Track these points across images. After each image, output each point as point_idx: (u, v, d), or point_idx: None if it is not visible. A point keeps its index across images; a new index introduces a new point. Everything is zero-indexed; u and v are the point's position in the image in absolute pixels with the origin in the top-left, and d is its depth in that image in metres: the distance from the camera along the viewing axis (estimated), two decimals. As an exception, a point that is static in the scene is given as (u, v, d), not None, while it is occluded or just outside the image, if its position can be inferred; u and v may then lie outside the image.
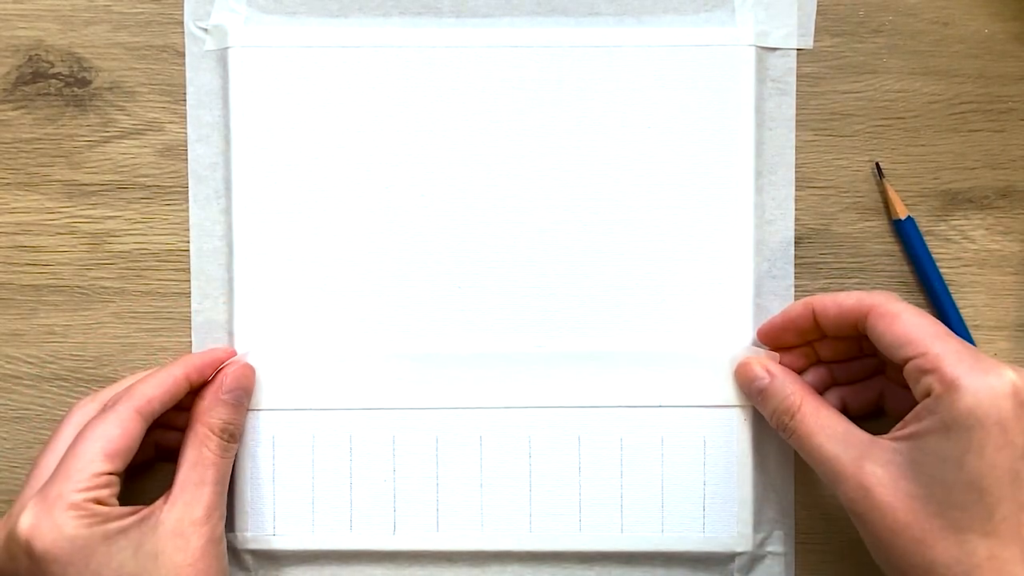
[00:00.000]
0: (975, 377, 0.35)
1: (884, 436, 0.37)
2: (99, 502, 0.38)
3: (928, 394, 0.35)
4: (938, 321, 0.37)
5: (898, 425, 0.37)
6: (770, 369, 0.41)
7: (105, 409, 0.40)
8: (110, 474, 0.38)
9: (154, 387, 0.40)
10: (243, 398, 0.42)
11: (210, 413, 0.41)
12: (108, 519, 0.38)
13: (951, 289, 0.44)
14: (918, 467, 0.35)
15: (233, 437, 0.41)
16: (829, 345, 0.42)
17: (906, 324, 0.37)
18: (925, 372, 0.35)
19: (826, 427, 0.38)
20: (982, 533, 0.34)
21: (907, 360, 0.36)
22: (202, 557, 0.38)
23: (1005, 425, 0.34)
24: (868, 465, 0.36)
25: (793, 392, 0.40)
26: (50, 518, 0.37)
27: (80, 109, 0.44)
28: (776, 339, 0.42)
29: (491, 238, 0.43)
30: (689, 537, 0.43)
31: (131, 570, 0.37)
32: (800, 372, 0.42)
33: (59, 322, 0.44)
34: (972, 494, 0.34)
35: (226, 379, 0.41)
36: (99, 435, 0.38)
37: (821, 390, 0.42)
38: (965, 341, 0.36)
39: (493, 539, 0.43)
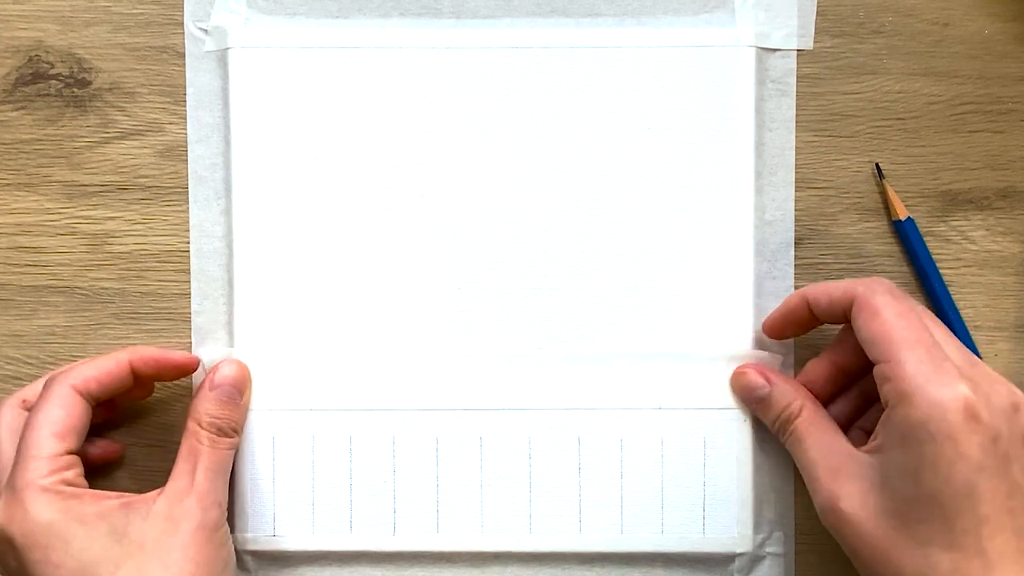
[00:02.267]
0: (928, 390, 0.34)
1: (862, 448, 0.37)
2: (68, 483, 0.38)
3: (887, 403, 0.35)
4: (921, 317, 0.37)
5: (872, 435, 0.37)
6: (769, 377, 0.41)
7: (43, 391, 0.39)
8: (68, 453, 0.38)
9: (93, 368, 0.40)
10: (233, 394, 0.42)
11: (198, 409, 0.41)
12: (83, 501, 0.37)
13: (951, 290, 0.44)
14: (884, 480, 0.35)
15: (223, 431, 0.41)
16: (844, 348, 0.41)
17: (881, 322, 0.36)
18: (886, 379, 0.36)
19: (815, 437, 0.38)
20: (944, 546, 0.34)
21: (876, 362, 0.36)
22: (192, 542, 0.38)
23: (956, 439, 0.34)
24: (841, 478, 0.36)
25: (794, 399, 0.40)
26: (22, 506, 0.37)
27: (80, 110, 0.44)
28: (779, 332, 0.42)
29: (491, 239, 0.43)
30: (689, 538, 0.43)
31: (115, 554, 0.37)
32: (819, 384, 0.41)
33: (59, 323, 0.44)
34: (932, 508, 0.34)
35: (214, 375, 0.42)
36: (42, 420, 0.38)
37: (836, 391, 0.42)
38: (940, 344, 0.36)
39: (493, 540, 0.43)
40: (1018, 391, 0.36)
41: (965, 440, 0.34)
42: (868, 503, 0.35)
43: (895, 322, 0.36)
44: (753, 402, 0.42)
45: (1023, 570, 0.34)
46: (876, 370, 0.36)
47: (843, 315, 0.39)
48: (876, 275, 0.44)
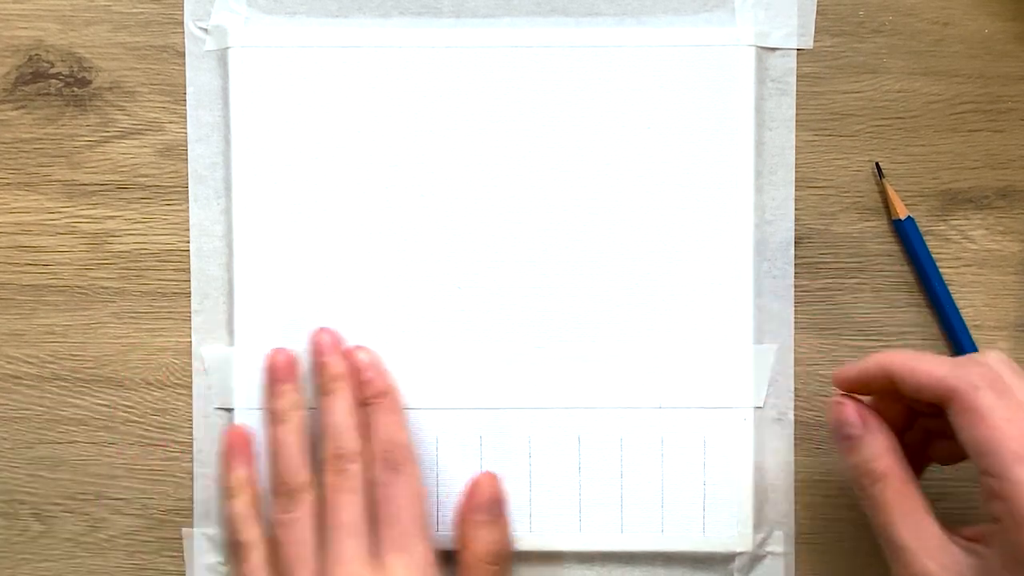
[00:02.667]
0: None
1: (956, 537, 0.35)
2: None
3: (997, 520, 0.33)
4: None
5: (969, 531, 0.35)
6: (867, 419, 0.38)
7: None
8: None
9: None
10: (497, 510, 0.41)
11: (473, 541, 0.41)
12: None
13: (951, 289, 0.44)
14: None
15: (500, 557, 0.41)
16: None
17: (989, 430, 0.33)
18: (996, 496, 0.33)
19: (905, 512, 0.35)
20: None
21: (983, 471, 0.33)
22: None
23: None
24: (933, 567, 0.34)
25: (883, 456, 0.37)
26: None
27: (80, 109, 0.44)
28: (851, 390, 0.39)
29: (491, 238, 0.43)
30: (689, 537, 0.43)
31: None
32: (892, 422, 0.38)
33: (59, 322, 0.44)
34: None
35: (475, 497, 0.41)
36: None
37: (907, 431, 0.39)
38: None
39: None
40: None
41: None
42: None
43: (1006, 429, 0.33)
44: (840, 438, 0.38)
45: None
46: (983, 481, 0.33)
47: (935, 406, 0.35)
48: (876, 274, 0.44)
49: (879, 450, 0.37)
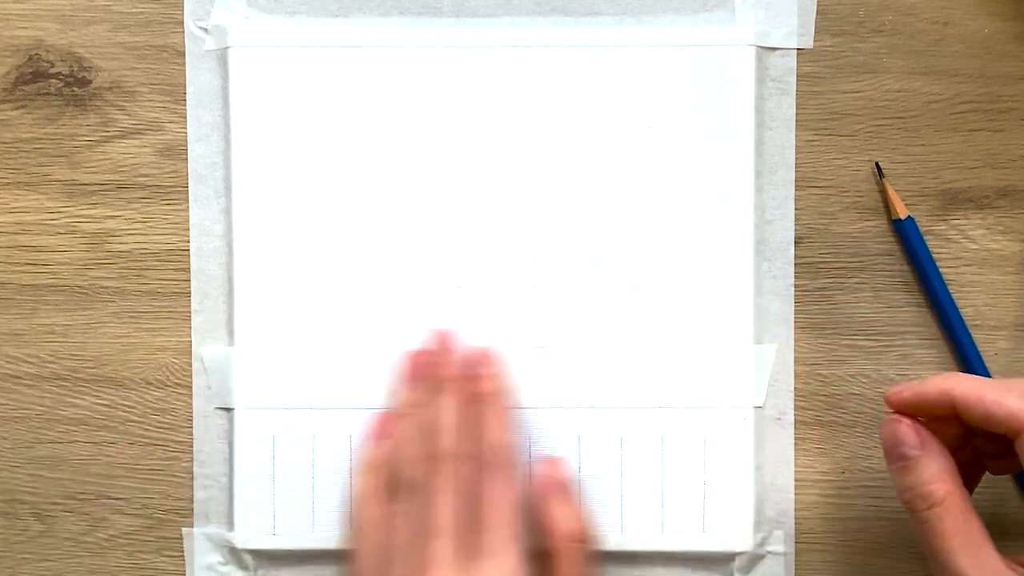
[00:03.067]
0: None
1: (1016, 566, 0.35)
2: None
3: None
4: None
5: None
6: (925, 440, 0.36)
7: None
8: None
9: None
10: (571, 490, 0.42)
11: (558, 522, 0.40)
12: None
13: (951, 289, 0.44)
14: None
15: (587, 535, 0.41)
16: None
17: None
18: None
19: (963, 538, 0.35)
20: None
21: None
22: None
23: None
24: None
25: (941, 479, 0.36)
26: None
27: (80, 109, 0.44)
28: (906, 411, 0.38)
29: (491, 238, 0.43)
30: (689, 537, 0.43)
31: None
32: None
33: (59, 322, 0.44)
34: None
35: (549, 479, 0.42)
36: None
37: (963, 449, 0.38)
38: None
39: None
40: None
41: None
42: None
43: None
44: (894, 457, 0.37)
45: None
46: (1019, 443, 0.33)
47: (1001, 435, 0.35)
48: (876, 273, 0.44)
49: (937, 472, 0.36)
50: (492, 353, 0.43)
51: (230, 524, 0.44)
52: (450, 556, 0.38)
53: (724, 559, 0.43)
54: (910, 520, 0.36)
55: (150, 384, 0.44)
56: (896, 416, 0.37)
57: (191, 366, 0.44)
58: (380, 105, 0.43)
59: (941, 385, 0.36)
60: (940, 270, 0.44)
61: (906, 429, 0.37)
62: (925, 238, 0.44)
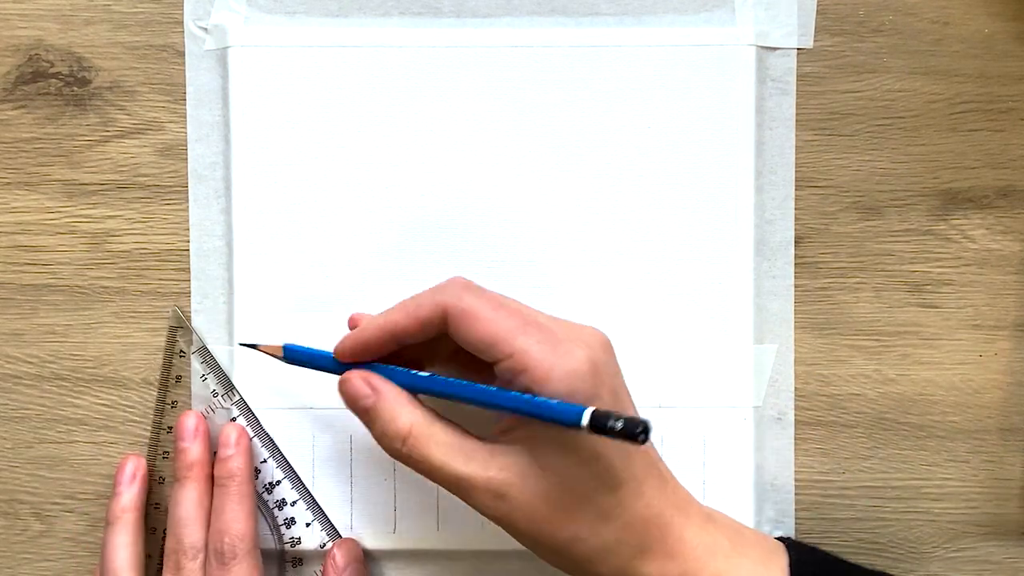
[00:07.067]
0: (559, 365, 0.34)
1: (498, 438, 0.36)
2: None
3: (528, 390, 0.35)
4: (510, 304, 0.36)
5: (503, 425, 0.37)
6: (375, 385, 0.38)
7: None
8: None
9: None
10: (359, 570, 0.42)
11: None
12: None
13: (951, 288, 0.44)
14: (542, 460, 0.35)
15: None
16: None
17: (486, 323, 0.35)
18: (517, 372, 0.35)
19: (441, 443, 0.36)
20: (617, 505, 0.35)
21: (495, 361, 0.35)
22: None
23: (590, 398, 0.35)
24: (494, 471, 0.36)
25: (401, 413, 0.37)
26: None
27: (80, 109, 0.44)
28: (358, 358, 0.39)
29: (491, 238, 0.43)
30: (689, 537, 0.43)
31: None
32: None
33: (59, 322, 0.44)
34: (592, 466, 0.35)
35: (336, 559, 0.42)
36: None
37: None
38: (537, 320, 0.36)
39: (494, 539, 0.43)
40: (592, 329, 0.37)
41: (597, 393, 0.35)
42: (528, 488, 0.35)
43: (495, 315, 0.36)
44: (359, 412, 0.38)
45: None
46: (500, 368, 0.35)
47: (437, 330, 0.37)
48: (876, 273, 0.44)
49: (393, 409, 0.37)
50: (236, 432, 0.42)
51: (230, 524, 0.44)
52: None
53: (724, 559, 0.43)
54: (406, 465, 0.37)
55: (150, 384, 0.44)
56: (345, 375, 0.38)
57: (191, 366, 0.44)
58: (380, 105, 0.43)
59: (377, 325, 0.38)
60: (940, 270, 0.44)
61: (356, 382, 0.38)
62: (925, 238, 0.44)
